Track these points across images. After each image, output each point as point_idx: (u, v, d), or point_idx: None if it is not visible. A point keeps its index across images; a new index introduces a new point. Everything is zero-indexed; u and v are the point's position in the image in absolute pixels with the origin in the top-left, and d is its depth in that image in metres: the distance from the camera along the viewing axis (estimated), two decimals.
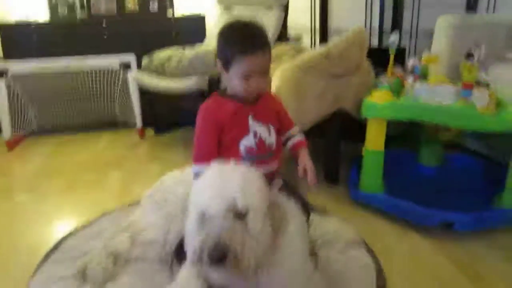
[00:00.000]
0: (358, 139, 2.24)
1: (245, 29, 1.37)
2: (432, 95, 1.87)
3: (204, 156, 1.37)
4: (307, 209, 1.52)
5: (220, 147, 1.41)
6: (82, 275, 1.51)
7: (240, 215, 1.06)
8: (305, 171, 1.47)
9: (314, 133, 2.30)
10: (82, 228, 1.85)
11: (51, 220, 2.10)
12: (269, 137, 1.43)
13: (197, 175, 1.34)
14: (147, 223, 1.60)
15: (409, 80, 1.98)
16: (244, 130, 1.40)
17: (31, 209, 2.24)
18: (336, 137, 2.30)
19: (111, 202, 2.20)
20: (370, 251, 1.65)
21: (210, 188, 1.09)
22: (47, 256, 1.65)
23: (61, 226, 2.00)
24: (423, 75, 2.12)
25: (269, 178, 1.42)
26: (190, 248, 1.10)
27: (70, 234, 1.81)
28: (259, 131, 1.41)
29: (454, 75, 2.24)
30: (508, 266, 1.63)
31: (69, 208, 2.23)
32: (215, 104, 1.41)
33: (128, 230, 1.63)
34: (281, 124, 1.52)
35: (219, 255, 1.00)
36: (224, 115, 1.38)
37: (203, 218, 1.08)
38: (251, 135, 1.40)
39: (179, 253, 1.46)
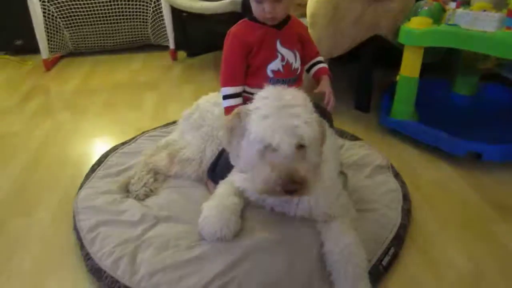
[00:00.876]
0: (392, 65, 2.22)
1: None
2: (474, 22, 1.80)
3: (232, 79, 1.43)
4: (331, 122, 1.59)
5: (247, 70, 1.44)
6: (125, 189, 1.64)
7: (302, 146, 1.11)
8: (324, 97, 1.51)
9: (347, 58, 2.29)
10: (123, 146, 1.95)
11: (92, 137, 2.22)
12: (295, 62, 1.46)
13: (225, 97, 1.42)
14: (185, 142, 1.67)
15: (451, 5, 1.90)
16: (272, 54, 1.42)
17: (72, 126, 2.35)
18: (369, 63, 2.29)
19: (147, 121, 2.30)
20: (397, 176, 1.70)
21: (276, 121, 1.10)
22: (92, 170, 1.77)
23: (102, 143, 2.11)
24: (466, 2, 2.03)
25: None
26: (258, 178, 1.13)
27: (111, 151, 1.91)
28: (286, 55, 1.44)
29: (500, 2, 2.14)
30: None
31: (108, 126, 2.34)
32: (244, 29, 1.43)
33: (167, 148, 1.71)
34: (305, 51, 1.52)
35: (295, 188, 1.07)
36: (253, 39, 1.40)
37: (268, 149, 1.11)
38: (278, 59, 1.43)
39: (213, 172, 1.57)
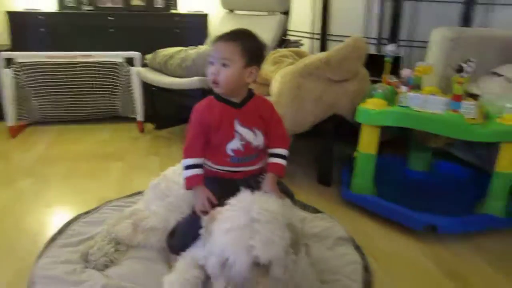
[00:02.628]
0: (351, 140, 2.36)
1: (235, 29, 1.49)
2: (423, 104, 1.98)
3: (190, 151, 1.50)
4: (292, 197, 1.63)
5: (209, 146, 1.50)
6: (85, 259, 1.60)
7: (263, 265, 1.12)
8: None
9: (309, 134, 2.41)
10: (85, 215, 1.93)
11: (53, 206, 2.18)
12: (255, 139, 1.49)
13: (185, 167, 1.49)
14: (150, 211, 1.68)
15: (403, 89, 2.08)
16: (230, 134, 1.46)
17: (33, 194, 2.31)
18: (330, 139, 2.41)
19: (112, 192, 2.29)
20: (358, 248, 1.74)
21: (234, 238, 1.12)
22: (52, 239, 1.73)
23: (63, 212, 2.08)
24: (416, 85, 2.22)
25: (257, 175, 1.55)
26: (214, 286, 1.18)
27: (73, 220, 1.88)
28: (245, 135, 1.47)
29: (447, 86, 2.35)
30: (490, 267, 1.74)
31: (70, 195, 2.31)
32: (205, 106, 1.49)
33: (131, 217, 1.70)
34: (269, 129, 1.53)
35: None
36: (212, 117, 1.46)
37: (225, 262, 1.12)
38: (237, 139, 1.47)
39: (171, 242, 1.58)
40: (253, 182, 1.52)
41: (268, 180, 1.50)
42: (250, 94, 1.51)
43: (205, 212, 1.40)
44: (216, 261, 1.14)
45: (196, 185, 1.47)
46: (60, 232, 1.78)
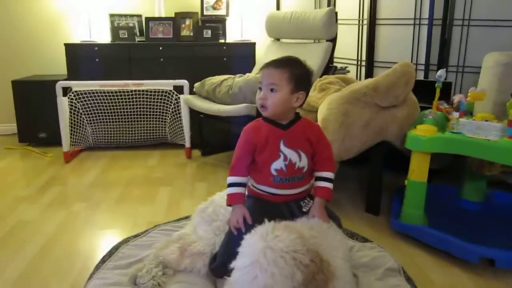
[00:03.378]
0: (401, 169, 2.29)
1: (285, 57, 1.54)
2: (477, 130, 1.91)
3: (235, 169, 1.54)
4: (339, 223, 1.61)
5: (255, 165, 1.55)
6: (133, 282, 1.63)
7: None
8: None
9: (357, 161, 2.37)
10: (134, 238, 1.97)
11: (105, 229, 2.24)
12: (299, 161, 1.52)
13: (228, 185, 1.53)
14: (197, 236, 1.69)
15: (455, 115, 2.02)
16: (276, 153, 1.50)
17: (86, 218, 2.39)
18: (379, 167, 2.35)
19: (160, 216, 2.34)
20: (409, 280, 1.67)
21: (238, 276, 1.17)
22: (102, 261, 1.77)
23: (113, 235, 2.14)
24: (468, 112, 2.15)
25: (300, 198, 1.58)
26: None
27: (123, 242, 1.93)
28: (289, 155, 1.50)
29: (500, 113, 2.27)
30: None
31: (121, 219, 2.37)
32: (253, 127, 1.55)
33: (178, 241, 1.72)
34: (316, 151, 1.55)
35: None
36: (259, 138, 1.51)
37: None
38: (281, 159, 1.50)
39: (215, 270, 1.57)
40: (294, 206, 1.55)
41: (316, 204, 1.53)
42: (297, 117, 1.55)
43: (238, 229, 1.47)
44: None
45: (236, 203, 1.52)
46: (110, 254, 1.82)
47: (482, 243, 1.84)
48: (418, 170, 2.04)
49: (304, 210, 1.55)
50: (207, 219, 1.73)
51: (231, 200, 1.53)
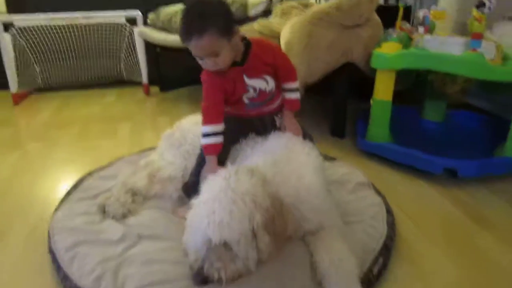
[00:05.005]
0: (363, 97, 2.30)
1: (188, 11, 1.33)
2: (441, 46, 1.91)
3: (210, 118, 1.44)
4: (310, 137, 1.60)
5: (226, 102, 1.48)
6: (102, 210, 1.58)
7: (224, 243, 1.12)
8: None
9: (321, 90, 2.36)
10: (99, 170, 1.90)
11: (65, 165, 2.15)
12: (268, 85, 1.48)
13: (204, 135, 1.43)
14: (165, 161, 1.65)
15: (420, 30, 2.01)
16: (243, 88, 1.45)
17: (44, 156, 2.27)
18: (343, 89, 2.34)
19: (123, 149, 2.26)
20: (378, 192, 1.71)
21: (194, 215, 1.16)
22: (68, 194, 1.70)
23: (76, 170, 2.04)
24: (431, 30, 2.15)
25: (274, 112, 1.56)
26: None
27: (88, 175, 1.85)
28: (257, 85, 1.46)
29: (461, 32, 2.28)
30: (510, 208, 1.71)
31: (81, 154, 2.28)
32: (214, 73, 1.42)
33: (146, 168, 1.67)
34: (277, 72, 1.49)
35: (200, 281, 1.13)
36: (225, 80, 1.43)
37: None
38: (251, 91, 1.46)
39: (187, 189, 1.55)
40: (268, 121, 1.55)
41: (286, 117, 1.53)
42: (247, 46, 1.43)
43: None
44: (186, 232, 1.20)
45: (212, 155, 1.45)
46: (75, 187, 1.75)
47: (444, 155, 1.90)
48: (383, 89, 2.05)
49: (277, 124, 1.54)
50: (175, 144, 1.68)
51: (208, 151, 1.44)
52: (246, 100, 1.48)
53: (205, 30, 1.28)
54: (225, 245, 1.12)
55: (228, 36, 1.32)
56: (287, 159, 1.37)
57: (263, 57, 1.45)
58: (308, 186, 1.31)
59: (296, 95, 1.54)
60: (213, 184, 1.20)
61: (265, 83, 1.47)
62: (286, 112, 1.54)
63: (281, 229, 1.20)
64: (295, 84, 1.53)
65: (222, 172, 1.23)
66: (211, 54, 1.32)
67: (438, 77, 2.26)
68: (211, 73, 1.42)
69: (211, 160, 1.44)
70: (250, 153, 1.47)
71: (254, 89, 1.46)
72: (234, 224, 1.10)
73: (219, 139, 1.44)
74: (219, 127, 1.45)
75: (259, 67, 1.45)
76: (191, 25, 1.30)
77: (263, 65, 1.46)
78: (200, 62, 1.37)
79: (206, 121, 1.44)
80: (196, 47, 1.31)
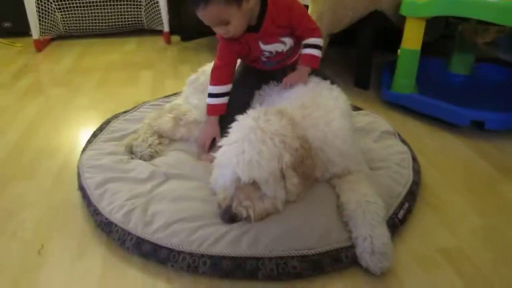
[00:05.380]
0: (388, 49, 2.22)
1: None
2: None
3: (218, 79, 1.48)
4: (332, 80, 1.55)
5: (244, 60, 1.50)
6: (130, 151, 1.60)
7: (253, 182, 1.12)
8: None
9: (346, 41, 2.30)
10: (124, 113, 1.91)
11: (90, 109, 2.17)
12: (286, 46, 1.45)
13: (210, 95, 1.48)
14: (190, 105, 1.65)
15: None
16: (259, 53, 1.44)
17: (67, 100, 2.30)
18: (369, 39, 2.28)
19: (145, 96, 2.26)
20: (404, 141, 1.70)
21: (224, 153, 1.16)
22: (94, 135, 1.72)
23: (100, 114, 2.04)
24: None
25: (296, 64, 1.50)
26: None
27: (113, 118, 1.87)
28: (273, 49, 1.44)
29: None
30: None
31: (105, 99, 2.29)
32: (228, 40, 1.41)
33: (171, 112, 1.68)
34: (295, 31, 1.44)
35: (229, 219, 1.15)
36: (239, 44, 1.41)
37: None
38: (267, 54, 1.45)
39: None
40: (290, 71, 1.50)
41: (296, 71, 1.46)
42: (263, 6, 1.37)
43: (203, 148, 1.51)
44: (214, 172, 1.20)
45: (215, 115, 1.48)
46: (101, 129, 1.77)
47: (471, 107, 1.87)
48: (412, 38, 1.99)
49: None
50: (200, 89, 1.67)
51: (211, 111, 1.48)
52: (263, 59, 1.47)
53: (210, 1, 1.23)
54: (254, 184, 1.13)
55: (237, 3, 1.26)
56: (316, 104, 1.35)
57: (278, 19, 1.39)
58: (335, 130, 1.31)
59: (316, 52, 1.46)
60: (243, 124, 1.20)
61: (283, 45, 1.45)
62: (300, 67, 1.46)
63: (309, 170, 1.21)
64: (316, 40, 1.46)
65: (251, 113, 1.23)
66: (221, 23, 1.29)
67: (469, 27, 2.18)
68: (228, 40, 1.40)
69: (212, 121, 1.48)
70: (277, 98, 1.46)
71: (271, 52, 1.44)
72: (263, 163, 1.11)
73: (224, 100, 1.47)
74: (227, 87, 1.47)
75: (274, 31, 1.41)
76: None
77: (279, 28, 1.41)
78: (213, 29, 1.35)
79: (215, 81, 1.46)
80: (204, 16, 1.28)
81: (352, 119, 1.47)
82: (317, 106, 1.35)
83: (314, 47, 1.46)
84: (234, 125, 1.23)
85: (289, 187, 1.17)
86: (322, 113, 1.33)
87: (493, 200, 1.44)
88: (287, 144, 1.15)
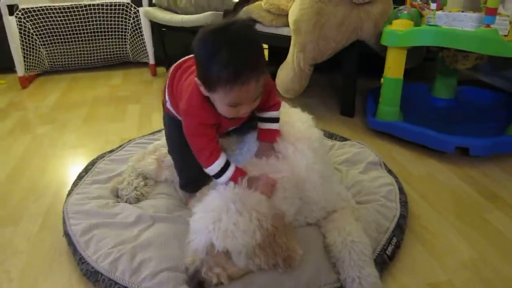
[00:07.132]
0: (372, 74, 2.24)
1: (235, 43, 1.07)
2: (453, 22, 1.87)
3: (213, 155, 1.24)
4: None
5: None
6: (115, 195, 1.59)
7: (226, 251, 1.10)
8: None
9: (330, 67, 2.32)
10: (110, 153, 1.90)
11: (76, 148, 2.15)
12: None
13: (216, 176, 1.25)
14: None
15: (432, 6, 1.96)
16: (227, 126, 1.34)
17: (54, 139, 2.28)
18: (353, 68, 2.31)
19: (133, 132, 2.26)
20: (390, 172, 1.70)
21: (201, 217, 1.12)
22: (80, 177, 1.71)
23: (87, 153, 2.04)
24: (443, 5, 2.10)
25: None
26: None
27: (99, 158, 1.86)
28: (239, 122, 1.36)
29: (472, 8, 2.23)
30: None
31: (91, 137, 2.28)
32: (201, 108, 1.22)
33: (154, 153, 1.67)
34: (262, 104, 1.27)
35: (196, 285, 1.11)
36: (216, 119, 1.25)
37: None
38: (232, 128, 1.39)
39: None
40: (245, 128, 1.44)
41: (263, 149, 1.35)
42: None
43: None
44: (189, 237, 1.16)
45: (242, 175, 1.24)
46: (87, 170, 1.76)
47: (456, 133, 1.89)
48: (394, 67, 2.02)
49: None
50: None
51: (234, 177, 1.23)
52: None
53: (261, 70, 1.11)
54: (226, 253, 1.11)
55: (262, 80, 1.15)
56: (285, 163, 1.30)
57: None
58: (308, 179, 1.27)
59: (275, 125, 1.36)
60: (221, 193, 1.16)
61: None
62: (265, 144, 1.36)
63: (280, 249, 1.14)
64: (274, 113, 1.36)
65: (231, 184, 1.19)
66: (258, 96, 1.17)
67: (449, 53, 2.22)
68: (202, 108, 1.21)
69: (252, 179, 1.23)
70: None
71: (236, 123, 1.36)
72: (238, 235, 1.07)
73: (232, 167, 1.25)
74: (224, 154, 1.27)
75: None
76: (249, 63, 1.08)
77: None
78: (227, 111, 1.17)
79: (211, 160, 1.24)
80: (251, 88, 1.11)
81: (326, 157, 1.44)
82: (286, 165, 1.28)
83: (272, 121, 1.36)
84: (214, 190, 1.18)
85: (259, 263, 1.12)
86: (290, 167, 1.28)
87: (481, 229, 1.44)
88: (260, 222, 1.10)
